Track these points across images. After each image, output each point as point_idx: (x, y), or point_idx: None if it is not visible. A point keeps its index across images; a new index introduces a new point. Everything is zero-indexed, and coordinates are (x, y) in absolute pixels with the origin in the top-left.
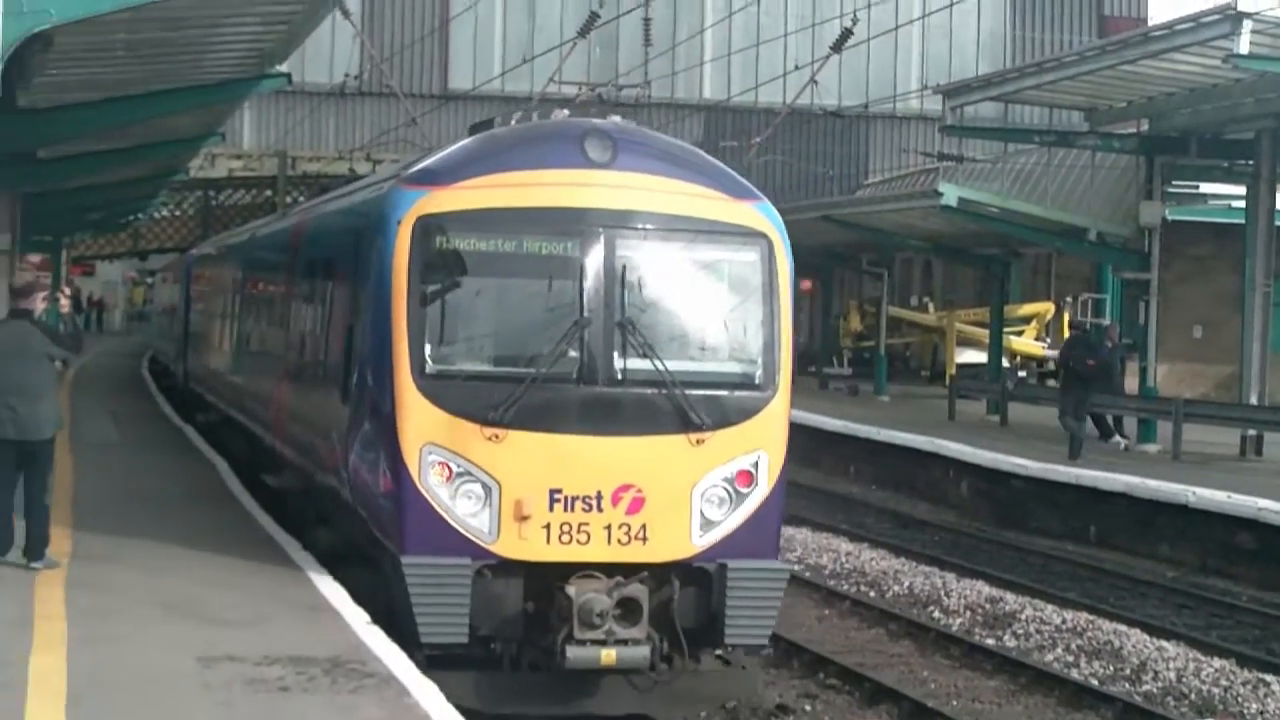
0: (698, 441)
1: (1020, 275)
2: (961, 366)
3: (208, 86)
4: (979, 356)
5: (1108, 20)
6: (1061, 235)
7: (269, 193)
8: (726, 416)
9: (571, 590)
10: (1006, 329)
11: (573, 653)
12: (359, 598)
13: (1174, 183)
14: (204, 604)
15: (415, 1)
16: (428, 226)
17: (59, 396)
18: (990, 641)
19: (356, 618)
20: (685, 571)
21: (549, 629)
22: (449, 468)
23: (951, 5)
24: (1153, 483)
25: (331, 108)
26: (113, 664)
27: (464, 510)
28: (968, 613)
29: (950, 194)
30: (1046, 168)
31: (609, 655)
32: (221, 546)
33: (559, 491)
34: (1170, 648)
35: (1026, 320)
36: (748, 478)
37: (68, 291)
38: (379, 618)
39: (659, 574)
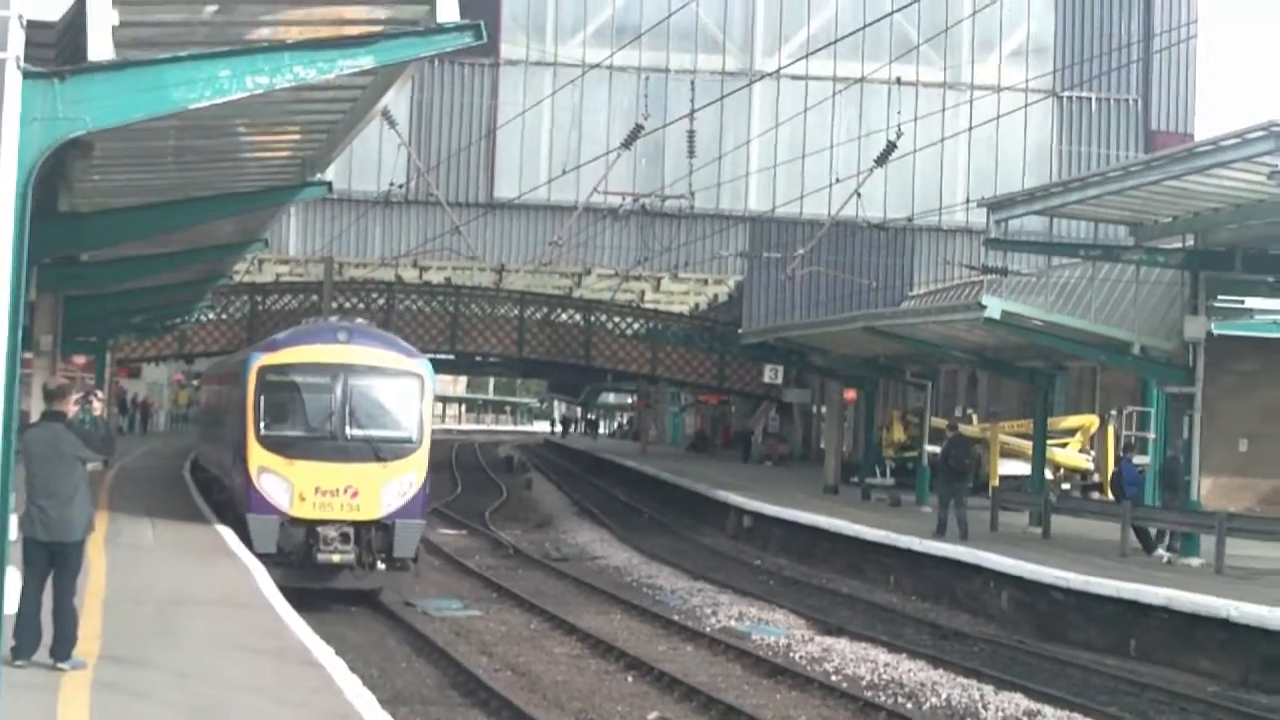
0: (384, 467)
1: (1065, 388)
2: (1004, 478)
3: (249, 193)
4: (1022, 468)
5: (1154, 135)
6: (1105, 349)
7: (315, 298)
8: (397, 455)
9: (321, 530)
10: (1050, 441)
11: (320, 556)
12: (239, 535)
13: (1219, 297)
14: (232, 710)
15: (462, 111)
16: (265, 369)
17: (95, 498)
18: None
19: None
20: (377, 525)
21: (312, 547)
22: (271, 476)
23: (998, 119)
24: (1195, 596)
25: (378, 215)
26: None
27: (276, 495)
28: None
29: (994, 307)
30: (1091, 281)
31: (336, 557)
32: (252, 651)
33: (320, 487)
34: None
35: (1070, 433)
36: (409, 484)
37: (100, 395)
38: (244, 542)
39: (365, 525)
